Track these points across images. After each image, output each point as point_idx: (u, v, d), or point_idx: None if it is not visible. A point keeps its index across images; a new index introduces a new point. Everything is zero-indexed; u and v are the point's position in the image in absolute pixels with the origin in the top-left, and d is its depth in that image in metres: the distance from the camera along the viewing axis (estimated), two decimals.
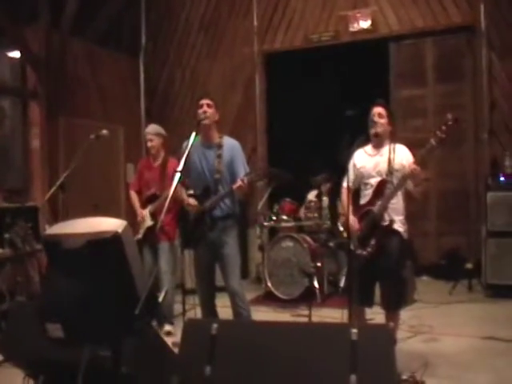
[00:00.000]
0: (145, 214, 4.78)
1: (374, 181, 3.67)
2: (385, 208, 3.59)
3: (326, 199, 6.30)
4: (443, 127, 3.30)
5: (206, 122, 3.80)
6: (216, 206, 3.82)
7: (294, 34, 7.45)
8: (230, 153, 3.87)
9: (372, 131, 3.67)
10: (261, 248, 6.48)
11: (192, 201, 3.88)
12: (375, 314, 4.01)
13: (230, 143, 3.93)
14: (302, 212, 6.42)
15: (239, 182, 3.63)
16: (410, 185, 3.58)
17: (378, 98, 3.78)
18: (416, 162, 3.44)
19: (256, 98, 7.67)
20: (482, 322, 4.80)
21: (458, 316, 5.06)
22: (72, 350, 2.12)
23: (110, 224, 2.07)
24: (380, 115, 3.65)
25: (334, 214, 6.00)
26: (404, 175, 3.50)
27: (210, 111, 3.82)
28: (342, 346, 2.18)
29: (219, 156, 3.85)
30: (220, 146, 3.88)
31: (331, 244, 6.16)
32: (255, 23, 7.60)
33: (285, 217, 6.32)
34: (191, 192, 3.98)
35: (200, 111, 3.81)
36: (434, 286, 6.34)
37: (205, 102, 3.84)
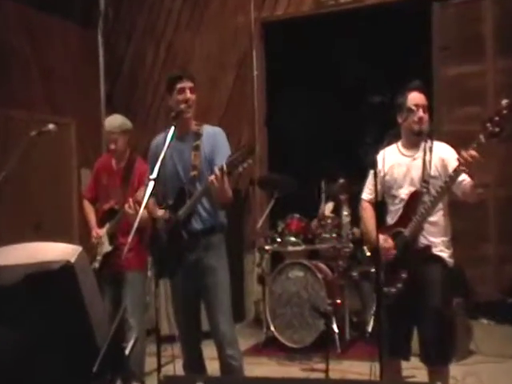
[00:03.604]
0: (102, 234, 4.73)
1: (405, 193, 3.70)
2: (419, 229, 3.59)
3: (346, 214, 6.30)
4: (496, 118, 3.30)
5: (190, 114, 3.82)
6: (193, 215, 3.75)
7: None
8: (211, 142, 3.83)
9: (415, 128, 3.70)
10: (261, 279, 6.49)
11: (163, 213, 3.83)
12: (416, 370, 4.00)
13: (210, 131, 3.91)
14: (314, 231, 6.42)
15: (212, 176, 3.48)
16: (458, 190, 3.53)
17: (415, 80, 3.79)
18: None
19: (253, 80, 7.70)
20: None
21: None
22: None
23: (59, 251, 2.07)
24: (424, 108, 3.69)
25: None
26: (455, 171, 3.40)
27: (193, 98, 3.83)
28: None
29: (196, 148, 3.82)
30: (198, 135, 3.85)
31: (354, 274, 6.17)
32: None
33: (292, 238, 6.32)
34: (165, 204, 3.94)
35: (180, 98, 3.79)
36: (496, 332, 6.28)
37: (187, 85, 3.82)
